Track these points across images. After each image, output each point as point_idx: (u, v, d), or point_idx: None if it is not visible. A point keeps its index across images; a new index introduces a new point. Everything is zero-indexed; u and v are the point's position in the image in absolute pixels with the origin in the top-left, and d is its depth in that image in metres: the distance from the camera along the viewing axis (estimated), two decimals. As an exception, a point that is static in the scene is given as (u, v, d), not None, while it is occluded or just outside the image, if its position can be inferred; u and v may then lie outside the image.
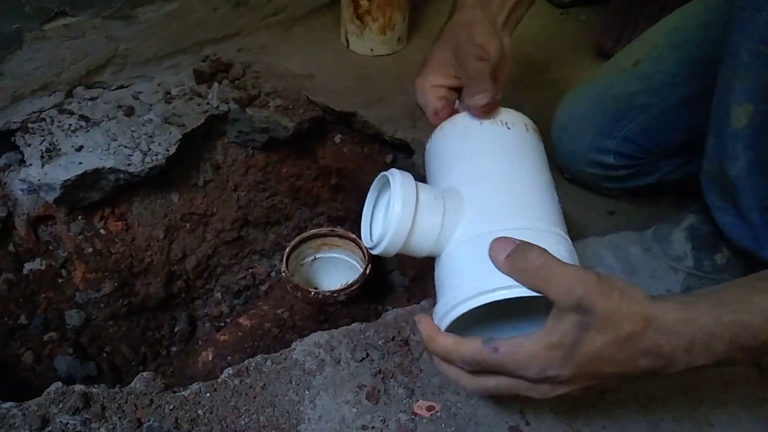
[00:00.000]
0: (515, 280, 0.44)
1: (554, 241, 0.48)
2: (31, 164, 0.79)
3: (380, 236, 0.50)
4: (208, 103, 0.92)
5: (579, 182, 0.89)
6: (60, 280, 0.86)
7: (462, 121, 0.57)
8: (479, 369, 0.47)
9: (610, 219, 0.89)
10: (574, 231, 0.84)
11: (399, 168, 0.54)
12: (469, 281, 0.47)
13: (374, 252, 0.52)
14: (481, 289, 0.45)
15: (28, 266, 0.84)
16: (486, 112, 0.55)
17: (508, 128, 0.56)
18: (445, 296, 0.48)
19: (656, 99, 0.77)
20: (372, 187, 0.56)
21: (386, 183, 0.52)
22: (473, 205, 0.51)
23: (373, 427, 0.59)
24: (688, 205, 0.76)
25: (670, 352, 0.43)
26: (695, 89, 0.74)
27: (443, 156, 0.57)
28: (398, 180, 0.50)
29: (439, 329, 0.48)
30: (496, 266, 0.45)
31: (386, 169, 0.53)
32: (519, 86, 1.06)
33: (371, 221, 0.57)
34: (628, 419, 0.64)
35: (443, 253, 0.51)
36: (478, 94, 0.54)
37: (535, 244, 0.45)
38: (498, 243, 0.46)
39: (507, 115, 0.57)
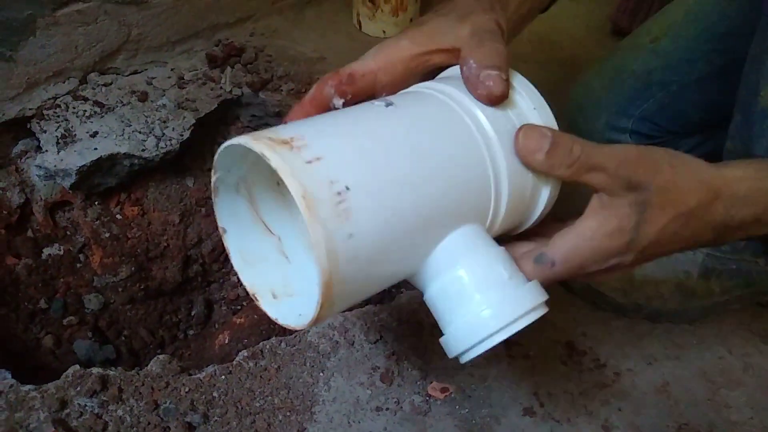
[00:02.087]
0: (555, 176, 0.41)
1: None
2: (47, 150, 0.80)
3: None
4: (221, 88, 0.92)
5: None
6: (78, 265, 0.87)
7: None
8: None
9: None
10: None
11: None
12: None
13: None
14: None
15: (46, 251, 0.86)
16: (494, 101, 0.41)
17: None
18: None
19: (675, 76, 0.75)
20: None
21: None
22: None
23: (387, 409, 0.59)
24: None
25: (739, 222, 0.41)
26: (716, 65, 0.72)
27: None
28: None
29: None
30: (531, 165, 0.40)
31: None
32: (532, 65, 1.05)
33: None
34: (644, 401, 0.63)
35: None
36: (491, 66, 0.41)
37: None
38: (529, 136, 0.40)
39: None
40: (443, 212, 0.38)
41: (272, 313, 0.41)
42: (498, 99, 0.41)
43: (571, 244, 0.41)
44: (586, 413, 0.62)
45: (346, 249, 0.33)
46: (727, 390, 0.66)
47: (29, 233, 0.84)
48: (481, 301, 0.38)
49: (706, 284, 0.71)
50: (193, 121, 0.86)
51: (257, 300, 0.42)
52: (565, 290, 0.74)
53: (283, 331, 0.85)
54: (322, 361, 0.63)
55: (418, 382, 0.62)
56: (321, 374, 0.62)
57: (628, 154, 0.40)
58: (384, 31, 1.11)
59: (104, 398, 0.57)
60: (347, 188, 0.33)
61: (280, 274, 0.44)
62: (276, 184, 0.43)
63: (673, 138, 0.80)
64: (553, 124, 0.43)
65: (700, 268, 0.71)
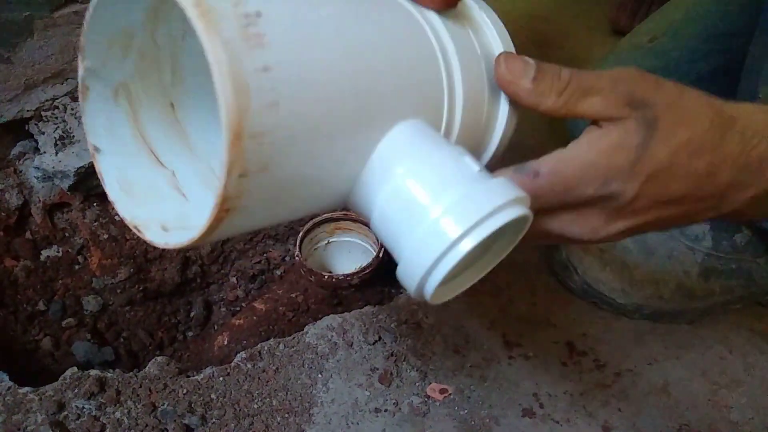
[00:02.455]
0: (543, 110, 0.35)
1: None
2: (45, 152, 0.80)
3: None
4: (219, 88, 0.92)
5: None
6: (77, 267, 0.87)
7: None
8: None
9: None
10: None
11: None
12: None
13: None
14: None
15: (45, 253, 0.85)
16: (448, 5, 0.36)
17: None
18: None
19: (674, 76, 0.74)
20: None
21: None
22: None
23: (385, 410, 0.59)
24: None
25: (758, 158, 0.35)
26: (715, 65, 0.72)
27: None
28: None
29: None
30: (515, 94, 0.35)
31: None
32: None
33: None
34: (644, 402, 0.63)
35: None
36: None
37: None
38: (512, 61, 0.35)
39: None
40: (386, 83, 0.31)
41: (159, 240, 0.33)
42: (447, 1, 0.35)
43: (563, 156, 0.35)
44: (586, 414, 0.61)
45: (260, 84, 0.25)
46: (728, 390, 0.65)
47: (28, 235, 0.84)
48: (436, 204, 0.30)
49: (706, 284, 0.71)
50: (192, 121, 0.86)
51: (140, 232, 0.33)
52: (564, 290, 0.74)
53: (282, 333, 0.85)
54: (321, 363, 0.62)
55: (417, 384, 0.61)
56: (319, 376, 0.61)
57: (624, 72, 0.35)
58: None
59: (102, 400, 0.57)
60: (257, 13, 0.26)
61: (172, 209, 0.35)
62: (170, 106, 0.36)
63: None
64: (504, 29, 0.39)
65: (700, 267, 0.71)
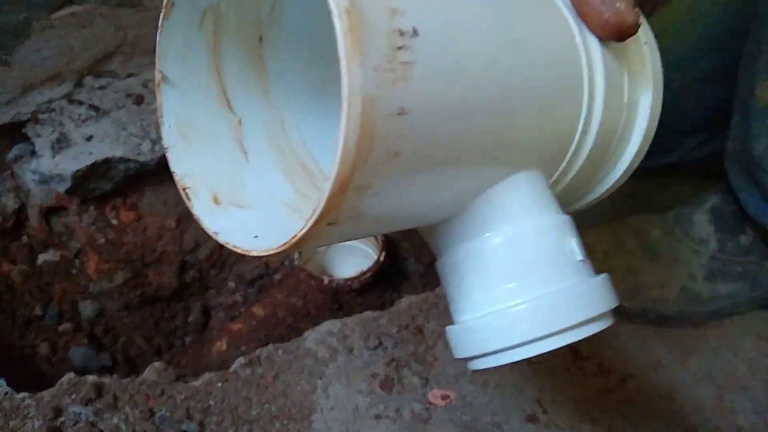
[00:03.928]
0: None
1: None
2: (42, 155, 0.79)
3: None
4: (218, 91, 0.91)
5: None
6: (74, 271, 0.86)
7: None
8: None
9: (629, 201, 0.87)
10: (592, 214, 0.82)
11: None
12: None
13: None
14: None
15: (42, 257, 0.85)
16: (625, 36, 0.30)
17: None
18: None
19: (676, 74, 0.74)
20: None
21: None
22: None
23: (386, 417, 0.58)
24: (710, 187, 0.74)
25: None
26: (717, 63, 0.71)
27: None
28: None
29: None
30: None
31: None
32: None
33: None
34: (649, 408, 0.62)
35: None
36: None
37: None
38: None
39: None
40: (525, 125, 0.27)
41: (209, 223, 0.28)
42: (631, 30, 0.29)
43: None
44: (590, 420, 0.60)
45: (389, 131, 0.20)
46: (734, 395, 0.65)
47: (24, 239, 0.84)
48: (523, 289, 0.26)
49: (711, 287, 0.70)
50: (190, 124, 0.85)
51: (188, 199, 0.29)
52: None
53: (282, 338, 0.84)
54: (321, 369, 0.62)
55: (419, 390, 0.61)
56: (319, 382, 0.60)
57: None
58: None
59: (99, 406, 0.56)
60: (415, 31, 0.21)
61: (229, 170, 0.31)
62: (258, 40, 0.31)
63: (676, 136, 0.79)
64: (658, 56, 0.36)
65: (705, 270, 0.70)
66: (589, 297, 0.27)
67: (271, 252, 0.23)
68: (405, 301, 0.70)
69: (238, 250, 0.26)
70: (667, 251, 0.71)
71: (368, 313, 0.67)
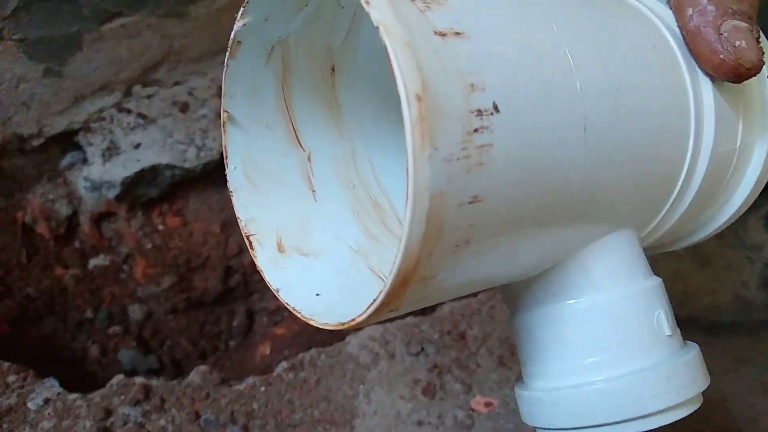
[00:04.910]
0: None
1: None
2: (93, 162, 0.82)
3: None
4: (261, 98, 0.92)
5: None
6: (122, 275, 0.88)
7: None
8: None
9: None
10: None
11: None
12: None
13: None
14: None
15: (92, 262, 0.87)
16: (745, 77, 0.25)
17: None
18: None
19: None
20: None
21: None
22: None
23: (429, 423, 0.58)
24: (765, 191, 0.71)
25: None
26: None
27: None
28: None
29: None
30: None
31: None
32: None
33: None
34: (702, 418, 0.60)
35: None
36: (737, 16, 0.25)
37: None
38: None
39: None
40: (617, 191, 0.24)
41: (270, 276, 0.27)
42: (753, 71, 0.25)
43: None
44: (638, 430, 0.59)
45: (458, 222, 0.18)
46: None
47: (77, 244, 0.86)
48: (602, 365, 0.24)
49: (766, 295, 0.68)
50: (234, 131, 0.87)
51: (251, 248, 0.27)
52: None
53: (324, 342, 0.85)
54: (363, 374, 0.62)
55: (461, 396, 0.60)
56: (361, 387, 0.61)
57: None
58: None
59: (147, 408, 0.58)
60: (495, 107, 0.18)
61: (296, 211, 0.29)
62: (330, 71, 0.29)
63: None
64: None
65: (758, 278, 0.68)
66: (675, 380, 0.24)
67: (328, 328, 0.22)
68: (447, 307, 0.69)
69: (299, 315, 0.24)
70: (719, 258, 0.69)
71: (410, 319, 0.67)
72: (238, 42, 0.26)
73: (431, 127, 0.17)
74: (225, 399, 0.59)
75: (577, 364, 0.25)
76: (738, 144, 0.28)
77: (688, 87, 0.26)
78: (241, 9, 0.25)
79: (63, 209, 0.84)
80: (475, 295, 0.72)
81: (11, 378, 0.61)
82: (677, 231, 0.31)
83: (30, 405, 0.58)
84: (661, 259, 0.69)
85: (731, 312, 0.67)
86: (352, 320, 0.21)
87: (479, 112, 0.18)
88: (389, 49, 0.17)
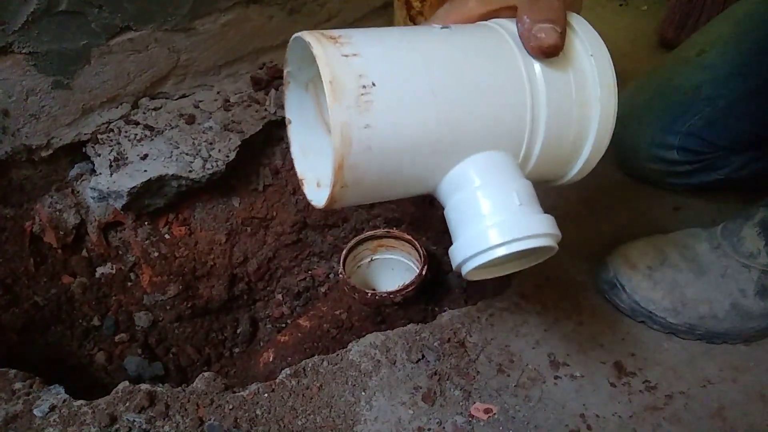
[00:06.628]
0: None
1: None
2: (100, 173, 0.83)
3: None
4: (266, 110, 0.94)
5: (640, 178, 0.86)
6: (129, 284, 0.90)
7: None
8: None
9: (675, 215, 0.85)
10: (637, 227, 0.81)
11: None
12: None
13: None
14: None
15: (99, 270, 0.88)
16: (547, 54, 0.42)
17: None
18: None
19: (723, 90, 0.73)
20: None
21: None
22: None
23: (429, 429, 0.59)
24: (760, 199, 0.72)
25: None
26: (766, 79, 0.70)
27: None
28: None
29: None
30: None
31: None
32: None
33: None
34: (698, 426, 0.61)
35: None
36: (544, 20, 0.42)
37: None
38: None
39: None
40: (467, 130, 0.41)
41: (310, 196, 0.47)
42: (550, 50, 0.41)
43: None
44: (635, 437, 0.60)
45: (360, 137, 0.38)
46: (788, 415, 0.63)
47: (84, 253, 0.88)
48: (489, 218, 0.41)
49: (763, 303, 0.68)
50: (239, 142, 0.88)
51: (302, 185, 0.48)
52: (612, 309, 0.72)
53: (327, 350, 0.85)
54: (364, 380, 0.63)
55: (461, 403, 0.61)
56: (363, 393, 0.61)
57: None
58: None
59: (152, 414, 0.59)
60: (373, 84, 0.38)
61: (326, 166, 0.46)
62: None
63: (724, 154, 0.77)
64: (608, 68, 0.45)
65: (756, 286, 0.68)
66: (531, 223, 0.41)
67: (323, 204, 0.42)
68: (447, 315, 0.70)
69: (316, 206, 0.45)
70: (715, 266, 0.69)
71: (411, 326, 0.68)
72: (288, 82, 0.47)
73: (336, 94, 0.37)
74: (229, 405, 0.60)
75: (481, 218, 0.42)
76: (573, 96, 0.43)
77: (520, 62, 0.42)
78: (285, 63, 0.46)
79: (71, 219, 0.86)
80: (474, 303, 0.73)
81: (17, 385, 0.62)
82: (553, 167, 0.46)
83: (36, 412, 0.59)
84: (658, 270, 0.70)
85: (729, 320, 0.68)
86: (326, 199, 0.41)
87: (364, 87, 0.38)
88: (319, 64, 0.37)
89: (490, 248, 0.40)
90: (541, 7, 0.42)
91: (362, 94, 0.37)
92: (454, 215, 0.43)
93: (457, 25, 0.45)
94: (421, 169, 0.42)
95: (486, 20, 0.46)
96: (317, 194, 0.46)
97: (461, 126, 0.40)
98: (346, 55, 0.38)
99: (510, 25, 0.44)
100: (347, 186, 0.39)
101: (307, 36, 0.39)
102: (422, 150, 0.40)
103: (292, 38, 0.42)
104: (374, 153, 0.38)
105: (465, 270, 0.42)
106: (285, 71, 0.46)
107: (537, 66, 0.42)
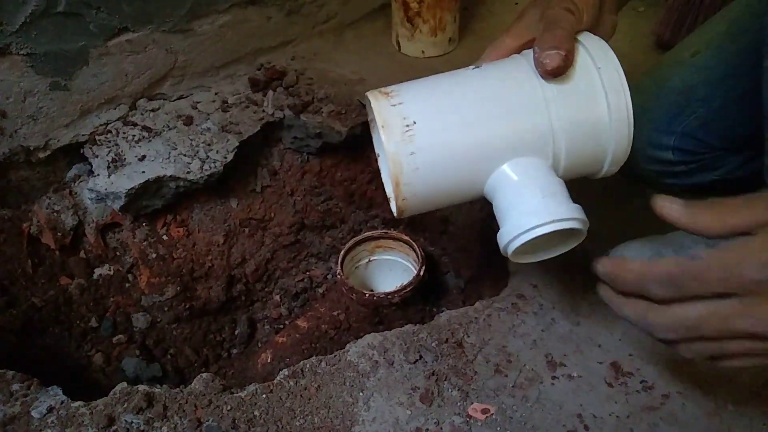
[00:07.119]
0: (700, 231, 0.44)
1: None
2: (98, 174, 0.83)
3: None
4: (263, 111, 0.94)
5: (636, 179, 0.86)
6: (127, 285, 0.90)
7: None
8: (676, 293, 0.44)
9: (672, 216, 0.85)
10: (634, 228, 0.82)
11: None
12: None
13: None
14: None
15: (97, 271, 0.88)
16: (553, 75, 0.49)
17: None
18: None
19: (718, 91, 0.73)
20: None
21: None
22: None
23: (427, 430, 0.59)
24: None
25: None
26: (760, 81, 0.70)
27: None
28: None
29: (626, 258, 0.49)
30: (675, 220, 0.46)
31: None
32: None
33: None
34: (695, 425, 0.61)
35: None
36: (549, 48, 0.49)
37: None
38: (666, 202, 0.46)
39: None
40: (496, 148, 0.50)
41: (392, 210, 0.55)
42: (555, 71, 0.48)
43: (724, 245, 0.41)
44: (632, 437, 0.60)
45: (408, 161, 0.49)
46: (785, 414, 0.63)
47: (82, 254, 0.88)
48: (527, 206, 0.49)
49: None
50: (237, 143, 0.88)
51: (390, 201, 0.56)
52: (609, 309, 0.72)
53: (324, 350, 0.86)
54: (362, 381, 0.63)
55: (459, 403, 0.61)
56: (360, 394, 0.62)
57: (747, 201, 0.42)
58: (423, 51, 1.11)
59: (150, 415, 0.59)
60: (414, 122, 0.49)
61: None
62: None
63: (720, 154, 0.77)
64: (616, 75, 0.50)
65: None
66: (560, 209, 0.48)
67: (396, 214, 0.54)
68: (445, 316, 0.70)
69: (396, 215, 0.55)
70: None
71: (408, 327, 0.68)
72: (372, 126, 0.59)
73: (387, 133, 0.49)
74: (227, 406, 0.60)
75: (521, 207, 0.50)
76: (586, 105, 0.50)
77: (537, 85, 0.50)
78: (368, 112, 0.57)
79: (69, 220, 0.86)
80: (471, 303, 0.73)
81: (15, 386, 0.62)
82: (584, 166, 0.53)
83: (34, 413, 0.59)
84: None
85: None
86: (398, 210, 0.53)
87: (407, 126, 0.49)
88: (374, 114, 0.50)
89: (529, 229, 0.48)
90: (547, 37, 0.49)
91: (406, 131, 0.48)
92: (498, 209, 0.52)
93: (489, 63, 0.54)
94: (464, 180, 0.51)
95: (519, 52, 0.54)
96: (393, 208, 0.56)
97: (490, 146, 0.50)
98: (394, 105, 0.49)
99: (530, 53, 0.53)
100: (406, 199, 0.50)
101: (369, 95, 0.51)
102: (459, 166, 0.50)
103: (366, 95, 0.53)
104: (421, 172, 0.49)
105: (510, 249, 0.50)
106: (369, 118, 0.58)
107: (551, 86, 0.50)
